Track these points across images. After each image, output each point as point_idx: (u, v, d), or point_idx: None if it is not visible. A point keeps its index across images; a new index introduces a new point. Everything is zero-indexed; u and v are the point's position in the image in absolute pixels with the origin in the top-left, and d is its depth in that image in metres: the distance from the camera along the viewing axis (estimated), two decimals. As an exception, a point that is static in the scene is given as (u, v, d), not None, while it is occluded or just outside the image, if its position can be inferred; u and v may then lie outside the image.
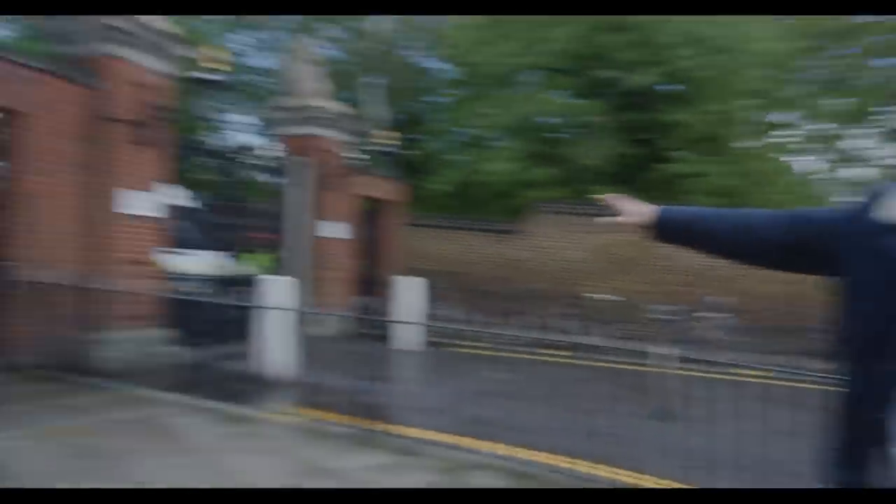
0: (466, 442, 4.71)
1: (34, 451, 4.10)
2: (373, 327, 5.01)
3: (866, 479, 1.14)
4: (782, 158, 20.56)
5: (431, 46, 20.85)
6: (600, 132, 15.62)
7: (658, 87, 16.10)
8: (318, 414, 5.29)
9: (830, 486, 1.21)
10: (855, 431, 1.18)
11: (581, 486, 4.04)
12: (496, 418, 4.77)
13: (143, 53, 7.36)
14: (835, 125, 20.44)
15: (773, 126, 19.96)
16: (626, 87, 15.76)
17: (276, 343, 5.56)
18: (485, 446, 4.66)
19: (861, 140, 21.66)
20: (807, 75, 20.50)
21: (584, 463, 4.23)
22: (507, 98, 16.79)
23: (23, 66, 6.53)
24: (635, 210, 1.56)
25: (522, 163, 15.91)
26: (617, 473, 4.21)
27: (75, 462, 3.96)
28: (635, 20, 14.98)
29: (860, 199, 1.27)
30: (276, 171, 11.01)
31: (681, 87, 16.19)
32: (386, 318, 5.27)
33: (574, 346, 4.43)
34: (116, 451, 4.22)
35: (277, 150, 11.37)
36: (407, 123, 20.65)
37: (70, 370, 6.16)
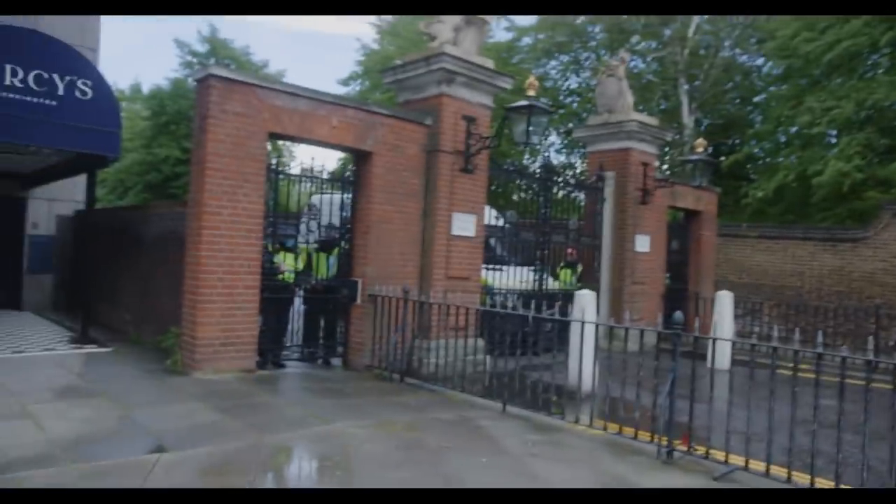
0: (782, 472, 4.29)
1: (368, 439, 4.91)
2: (679, 343, 4.88)
3: None
4: None
5: (743, 42, 19.20)
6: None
7: None
8: (623, 428, 5.32)
9: None
10: None
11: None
12: (818, 450, 4.25)
13: (468, 89, 8.28)
14: None
15: None
16: None
17: (582, 356, 5.76)
18: (804, 479, 4.20)
19: None
20: None
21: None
22: (845, 87, 14.65)
23: (374, 113, 7.88)
24: None
25: (865, 158, 13.69)
26: None
27: (400, 453, 4.64)
28: None
29: None
30: (589, 187, 11.33)
31: None
32: (693, 334, 5.06)
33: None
34: (434, 447, 4.82)
35: (590, 166, 11.69)
36: (722, 128, 19.36)
37: (399, 372, 7.18)
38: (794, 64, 15.74)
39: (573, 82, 22.64)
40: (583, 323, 5.82)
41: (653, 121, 11.85)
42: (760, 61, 18.92)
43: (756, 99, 19.67)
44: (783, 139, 17.38)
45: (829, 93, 14.77)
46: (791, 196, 15.98)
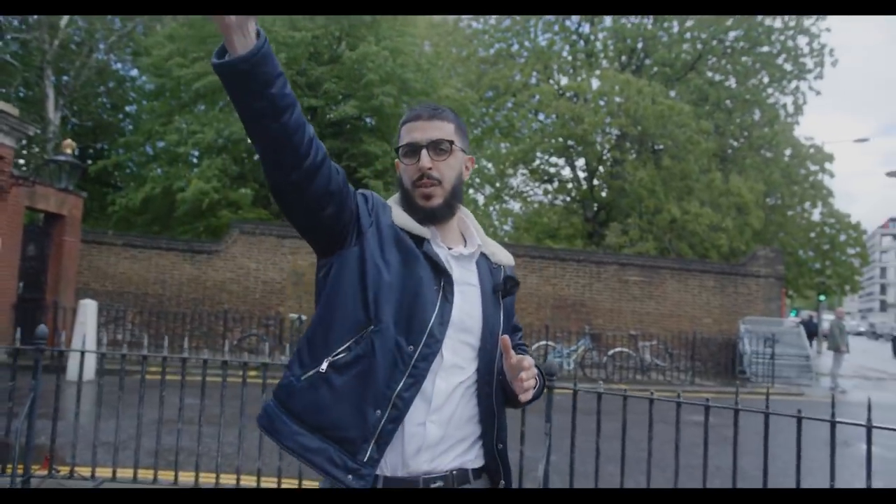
0: (148, 475, 4.53)
1: None
2: (42, 359, 4.52)
3: None
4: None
5: (118, 50, 19.14)
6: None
7: (358, 119, 17.13)
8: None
9: None
10: None
11: None
12: (182, 447, 4.67)
13: None
14: (502, 165, 23.81)
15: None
16: (330, 116, 16.46)
17: None
18: (168, 476, 4.54)
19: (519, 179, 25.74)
20: (486, 121, 23.67)
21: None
22: (208, 115, 16.24)
23: None
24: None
25: (221, 182, 15.49)
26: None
27: None
28: (344, 55, 15.75)
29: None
30: None
31: (375, 121, 17.44)
32: (51, 347, 4.77)
33: (262, 367, 4.60)
34: None
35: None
36: (91, 131, 18.63)
37: None
38: (166, 84, 16.55)
39: None
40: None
41: (12, 109, 10.54)
42: (135, 72, 19.10)
43: (128, 108, 19.74)
44: (151, 152, 17.97)
45: (195, 117, 16.13)
46: (157, 207, 16.64)
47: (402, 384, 1.40)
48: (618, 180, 22.28)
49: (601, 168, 24.86)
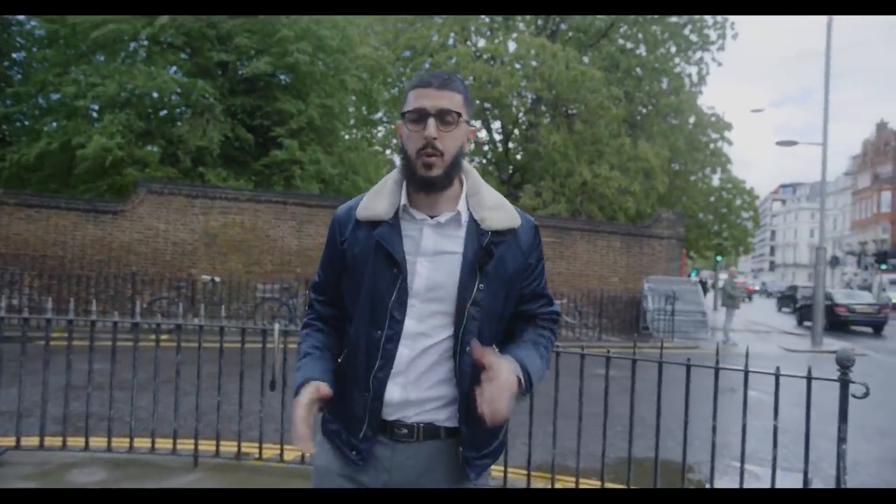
0: (56, 441, 4.42)
1: None
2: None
3: None
4: (373, 150, 23.28)
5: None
6: (212, 113, 15.40)
7: (272, 76, 16.59)
8: None
9: None
10: None
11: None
12: (92, 413, 4.57)
13: None
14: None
15: (370, 122, 22.35)
16: (241, 72, 15.87)
17: None
18: (79, 442, 4.45)
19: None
20: (402, 81, 23.45)
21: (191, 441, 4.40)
22: (110, 67, 15.28)
23: None
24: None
25: (126, 138, 14.71)
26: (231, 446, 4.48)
27: None
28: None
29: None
30: None
31: (290, 78, 16.96)
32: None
33: (176, 329, 4.54)
34: None
35: None
36: (-26, 79, 17.18)
37: None
38: (60, 31, 15.39)
39: None
40: None
41: None
42: (22, 17, 17.60)
43: (16, 56, 18.23)
44: (45, 105, 16.77)
45: (95, 68, 15.14)
46: (54, 164, 15.63)
47: (376, 366, 1.56)
48: (532, 143, 22.74)
49: (516, 131, 25.26)
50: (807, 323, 21.53)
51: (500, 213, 1.62)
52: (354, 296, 1.61)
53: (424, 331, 1.57)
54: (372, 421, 1.57)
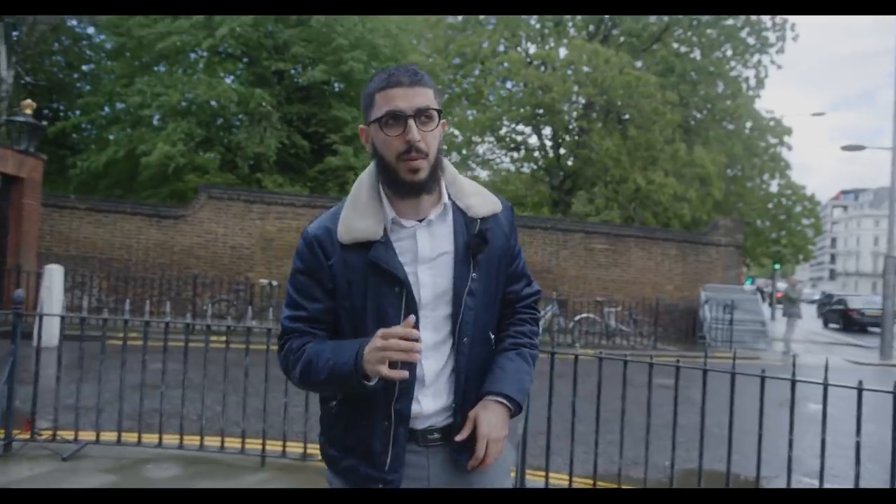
0: (132, 437, 4.59)
1: None
2: (21, 325, 4.51)
3: None
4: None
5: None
6: (269, 121, 15.78)
7: (326, 84, 16.90)
8: None
9: None
10: None
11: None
12: (164, 411, 4.73)
13: None
14: (469, 133, 23.79)
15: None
16: (298, 80, 16.21)
17: None
18: (152, 439, 4.60)
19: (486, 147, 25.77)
20: (454, 88, 23.54)
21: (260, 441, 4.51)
22: (172, 77, 15.83)
23: None
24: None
25: (187, 146, 15.21)
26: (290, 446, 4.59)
27: None
28: (313, 19, 15.47)
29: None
30: None
31: (344, 86, 17.23)
32: (33, 313, 4.74)
33: (231, 331, 4.67)
34: None
35: None
36: (46, 90, 17.99)
37: None
38: (127, 43, 16.03)
39: None
40: None
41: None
42: (91, 30, 18.41)
43: (85, 67, 19.07)
44: (110, 113, 17.48)
45: (159, 79, 15.71)
46: (119, 171, 16.27)
47: (396, 393, 1.47)
48: (584, 149, 22.51)
49: (568, 137, 25.05)
50: (832, 325, 27.39)
51: (482, 198, 1.58)
52: (356, 321, 1.49)
53: (443, 338, 1.52)
54: (397, 451, 1.48)
